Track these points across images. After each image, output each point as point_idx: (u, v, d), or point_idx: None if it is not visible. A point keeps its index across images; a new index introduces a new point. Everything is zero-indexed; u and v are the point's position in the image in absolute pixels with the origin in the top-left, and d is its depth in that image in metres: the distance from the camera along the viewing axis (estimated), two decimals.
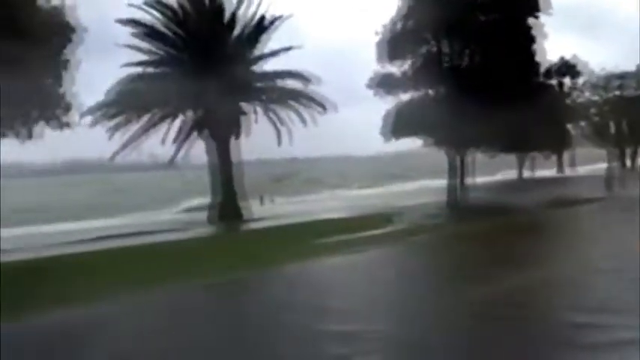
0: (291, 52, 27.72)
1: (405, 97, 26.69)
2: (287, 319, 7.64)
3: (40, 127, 16.72)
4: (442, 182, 29.27)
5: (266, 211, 31.21)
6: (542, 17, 27.79)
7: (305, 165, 69.95)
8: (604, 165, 42.90)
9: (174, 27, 26.57)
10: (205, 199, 29.04)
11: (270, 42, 27.64)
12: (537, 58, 28.82)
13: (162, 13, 26.35)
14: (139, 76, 26.67)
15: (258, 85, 27.89)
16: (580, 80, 45.23)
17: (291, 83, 27.77)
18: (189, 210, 33.93)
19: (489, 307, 7.75)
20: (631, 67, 46.44)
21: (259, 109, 27.31)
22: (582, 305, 7.65)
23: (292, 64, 28.18)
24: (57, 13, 15.54)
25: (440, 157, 28.54)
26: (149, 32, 26.43)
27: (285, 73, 27.62)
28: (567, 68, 41.87)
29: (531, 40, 27.60)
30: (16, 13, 13.69)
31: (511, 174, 48.00)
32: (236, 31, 27.22)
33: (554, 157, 49.50)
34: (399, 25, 26.14)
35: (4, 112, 14.72)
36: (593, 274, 9.57)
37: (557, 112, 35.49)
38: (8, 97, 13.55)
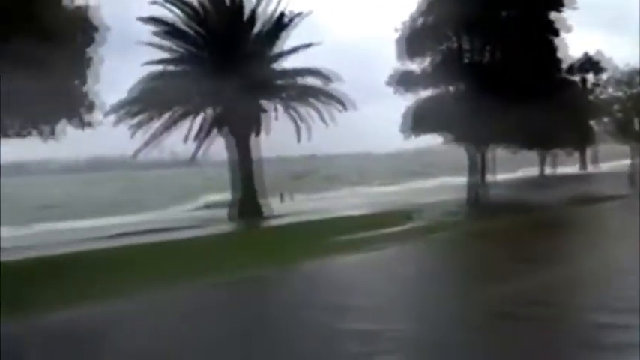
0: (310, 49, 27.83)
1: (425, 94, 26.57)
2: (307, 317, 7.69)
3: (63, 126, 16.92)
4: (462, 179, 29.11)
5: (286, 208, 31.31)
6: (567, 12, 27.42)
7: (324, 162, 69.93)
8: (627, 162, 42.28)
9: (195, 25, 26.75)
10: (226, 196, 29.23)
11: (290, 39, 27.76)
12: (560, 54, 28.46)
13: (182, 10, 26.54)
14: (160, 74, 26.91)
15: (278, 82, 27.97)
16: (603, 76, 44.61)
17: (311, 81, 27.83)
18: (209, 207, 34.16)
19: (510, 305, 7.72)
20: None
21: (279, 107, 27.42)
22: (604, 305, 7.58)
23: (312, 61, 28.22)
24: (81, 13, 15.73)
25: (460, 154, 28.39)
26: (170, 30, 26.64)
27: (305, 71, 27.67)
28: (590, 64, 41.33)
29: (554, 35, 27.25)
30: (42, 12, 13.90)
31: (532, 171, 47.53)
32: (256, 29, 27.32)
33: (576, 154, 48.89)
34: (419, 22, 25.99)
35: (29, 112, 14.98)
36: (615, 274, 9.47)
37: (580, 108, 35.02)
38: (32, 96, 13.77)
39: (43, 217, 32.17)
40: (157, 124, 26.53)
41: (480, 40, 25.84)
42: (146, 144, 26.81)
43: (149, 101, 26.24)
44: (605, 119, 46.89)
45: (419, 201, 28.13)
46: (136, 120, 26.10)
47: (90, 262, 14.09)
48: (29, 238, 22.85)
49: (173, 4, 26.23)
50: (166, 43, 26.84)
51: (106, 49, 17.10)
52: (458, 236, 16.51)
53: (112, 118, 25.20)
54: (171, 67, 27.27)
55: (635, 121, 47.65)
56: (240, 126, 26.61)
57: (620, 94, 46.57)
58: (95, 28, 16.30)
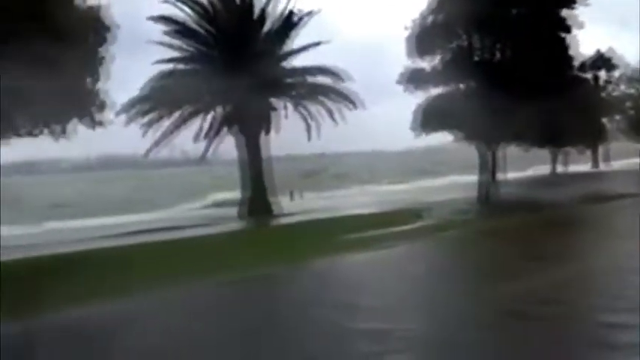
0: (320, 48, 27.85)
1: (435, 91, 26.47)
2: (317, 315, 7.69)
3: (74, 125, 17.00)
4: (472, 178, 29.00)
5: (295, 206, 31.35)
6: (579, 8, 27.19)
7: (334, 160, 69.92)
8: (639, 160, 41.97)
9: (205, 24, 26.83)
10: (236, 195, 29.32)
11: (299, 38, 27.79)
12: (572, 51, 28.26)
13: (192, 9, 26.62)
14: (170, 73, 27.01)
15: (288, 80, 28.00)
16: (616, 73, 44.29)
17: (321, 79, 27.84)
18: (219, 205, 34.27)
19: (520, 304, 7.68)
20: None
21: (289, 105, 27.45)
22: (616, 304, 7.52)
23: (321, 59, 28.24)
24: (93, 12, 15.80)
25: (470, 152, 28.28)
26: (180, 29, 26.73)
27: (315, 69, 27.69)
28: (603, 61, 41.05)
29: (566, 32, 27.05)
30: (54, 12, 13.98)
31: (543, 169, 47.27)
32: (266, 27, 27.36)
33: (587, 152, 48.57)
34: (429, 20, 25.90)
35: (41, 111, 15.07)
36: (627, 273, 9.38)
37: (592, 105, 34.83)
38: (45, 95, 13.85)
39: (55, 216, 32.39)
40: (167, 123, 26.66)
41: (490, 37, 25.71)
42: (157, 143, 26.94)
43: (159, 100, 26.34)
44: (618, 117, 46.62)
45: (429, 199, 28.05)
46: (146, 119, 26.23)
47: (101, 260, 14.18)
48: (41, 236, 23.02)
49: (184, 2, 26.33)
50: (176, 41, 26.95)
51: (117, 48, 17.18)
52: (468, 235, 16.45)
53: (123, 117, 25.35)
54: (181, 66, 27.37)
55: None
56: (250, 124, 26.67)
57: (632, 91, 46.27)
58: (107, 28, 16.37)
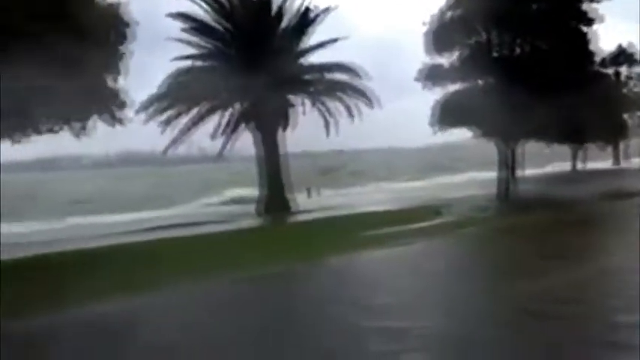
0: (337, 44, 27.83)
1: (454, 88, 26.30)
2: (335, 313, 7.70)
3: (94, 122, 17.16)
4: (491, 174, 28.79)
5: (313, 203, 31.37)
6: (600, 2, 26.78)
7: (352, 157, 69.84)
8: None
9: (223, 21, 26.91)
10: (254, 191, 29.43)
11: (316, 34, 27.78)
12: (592, 46, 27.89)
13: (210, 6, 26.72)
14: (188, 70, 27.16)
15: (306, 77, 28.01)
16: (637, 69, 43.57)
17: (338, 76, 27.82)
18: (237, 202, 34.42)
19: (538, 303, 7.62)
20: None
21: (307, 102, 27.47)
22: (633, 305, 7.41)
23: (338, 55, 28.23)
24: (113, 10, 15.91)
25: (489, 148, 28.07)
26: (197, 26, 26.86)
27: (333, 66, 27.67)
28: (624, 57, 40.44)
29: (587, 25, 26.68)
30: (76, 11, 14.11)
31: (561, 166, 46.77)
32: (283, 24, 27.38)
33: (607, 149, 47.90)
34: (447, 16, 25.73)
35: (62, 109, 15.24)
36: None
37: (613, 101, 34.35)
38: (66, 93, 14.01)
39: (75, 212, 32.78)
40: (185, 120, 26.81)
41: (509, 33, 25.45)
42: (175, 140, 27.11)
43: (177, 97, 26.50)
44: (639, 113, 45.91)
45: (447, 196, 27.92)
46: (164, 116, 26.40)
47: (122, 255, 14.34)
48: (62, 231, 23.32)
49: None
50: (194, 39, 27.08)
51: (135, 45, 17.28)
52: (487, 232, 16.34)
53: (142, 114, 25.54)
54: (199, 63, 27.50)
55: None
56: (268, 121, 26.73)
57: None
58: (126, 24, 16.47)
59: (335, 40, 27.72)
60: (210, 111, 27.05)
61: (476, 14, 24.59)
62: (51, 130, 16.64)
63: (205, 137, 27.65)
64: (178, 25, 26.59)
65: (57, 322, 7.91)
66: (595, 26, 26.98)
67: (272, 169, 27.14)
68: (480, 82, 25.82)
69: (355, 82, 27.56)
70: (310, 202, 31.86)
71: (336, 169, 61.59)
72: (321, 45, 27.72)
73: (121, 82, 16.96)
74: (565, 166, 46.50)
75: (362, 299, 8.34)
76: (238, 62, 25.85)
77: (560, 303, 7.60)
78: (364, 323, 7.07)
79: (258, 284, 10.10)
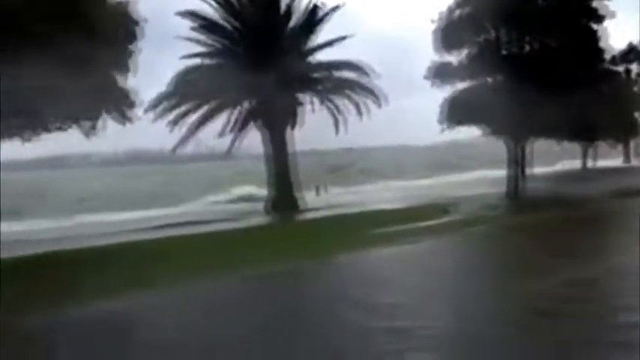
0: (345, 41, 27.78)
1: (462, 85, 26.19)
2: (341, 311, 7.69)
3: (103, 120, 17.21)
4: (500, 172, 28.67)
5: (321, 201, 31.37)
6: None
7: (360, 155, 69.75)
8: None
9: (231, 19, 26.93)
10: (262, 189, 29.45)
11: (324, 32, 27.72)
12: (603, 43, 27.68)
13: (219, 4, 26.73)
14: (197, 68, 27.19)
15: (314, 75, 27.98)
16: None
17: (347, 74, 27.78)
18: (245, 200, 34.47)
19: (546, 302, 7.58)
20: None
21: (316, 100, 27.45)
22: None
23: (346, 53, 28.17)
24: (122, 8, 15.94)
25: (498, 146, 27.95)
26: (206, 24, 26.88)
27: (342, 64, 27.63)
28: (635, 54, 40.14)
29: (597, 22, 26.49)
30: (87, 10, 14.15)
31: (570, 164, 46.51)
32: (291, 22, 27.37)
33: (618, 147, 47.59)
34: (455, 14, 25.63)
35: (71, 107, 15.30)
36: None
37: (624, 99, 34.15)
38: (76, 92, 14.06)
39: (84, 209, 32.92)
40: (193, 118, 26.85)
41: (518, 30, 25.32)
42: (183, 139, 27.14)
43: (186, 95, 26.54)
44: None
45: (456, 194, 27.83)
46: (173, 114, 26.44)
47: (131, 253, 14.39)
48: (71, 229, 23.43)
49: None
50: (202, 37, 27.09)
51: (144, 43, 17.29)
52: (496, 230, 16.27)
53: (152, 114, 25.61)
54: (207, 61, 27.52)
55: None
56: (276, 119, 26.73)
57: None
58: (135, 23, 16.51)
59: (343, 38, 27.70)
60: (219, 109, 27.07)
61: (484, 12, 24.48)
62: (60, 129, 16.71)
63: (214, 135, 27.72)
64: (187, 23, 26.65)
65: (68, 318, 7.94)
66: (605, 23, 26.82)
67: (280, 167, 27.15)
68: (488, 79, 25.70)
69: (363, 80, 27.54)
70: (319, 200, 31.85)
71: (345, 167, 61.49)
72: (329, 43, 27.69)
73: (131, 80, 17.00)
74: (575, 164, 46.24)
75: (369, 297, 8.32)
76: (246, 60, 25.86)
77: (569, 302, 7.56)
78: (372, 323, 7.05)
79: (266, 282, 10.11)
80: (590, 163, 47.31)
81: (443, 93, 26.39)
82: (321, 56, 28.00)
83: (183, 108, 26.60)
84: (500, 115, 23.40)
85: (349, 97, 27.63)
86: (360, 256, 12.14)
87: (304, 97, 27.40)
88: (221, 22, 26.97)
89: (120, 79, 16.59)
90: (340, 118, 27.67)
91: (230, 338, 6.86)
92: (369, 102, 27.64)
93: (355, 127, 28.06)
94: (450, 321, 7.13)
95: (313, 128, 27.76)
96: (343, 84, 27.72)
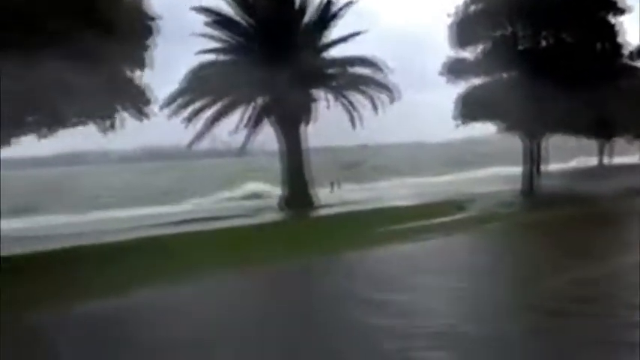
0: (359, 37, 27.71)
1: (478, 81, 26.00)
2: (349, 308, 7.70)
3: (120, 117, 17.30)
4: (515, 169, 28.46)
5: (335, 198, 31.36)
6: None
7: (375, 152, 69.58)
8: None
9: (245, 15, 26.95)
10: (276, 186, 29.49)
11: (338, 27, 27.66)
12: (620, 38, 27.31)
13: (234, 0, 26.75)
14: (211, 64, 27.26)
15: (329, 71, 27.94)
16: None
17: (361, 70, 27.70)
18: (260, 196, 34.58)
19: (559, 301, 7.53)
20: None
21: (330, 96, 27.41)
22: None
23: (360, 49, 28.10)
24: (137, 4, 16.01)
25: (513, 143, 27.73)
26: (220, 20, 26.92)
27: (356, 60, 27.56)
28: None
29: (615, 17, 26.13)
30: (104, 7, 14.24)
31: (585, 161, 46.00)
32: (306, 18, 27.34)
33: (635, 143, 46.90)
34: (471, 9, 25.44)
35: (88, 104, 15.42)
36: None
37: None
38: (93, 89, 14.18)
39: (102, 205, 33.23)
40: (208, 114, 26.93)
41: (535, 25, 25.07)
42: (199, 135, 27.23)
43: (200, 91, 26.62)
44: None
45: (471, 191, 27.68)
46: (189, 110, 26.54)
47: (155, 247, 14.51)
48: (88, 224, 23.66)
49: None
50: (217, 32, 27.15)
51: (160, 39, 17.33)
52: (511, 227, 16.18)
53: (168, 110, 25.72)
54: (221, 57, 27.58)
55: None
56: (290, 115, 26.74)
57: None
58: (151, 19, 16.58)
59: (357, 34, 27.61)
60: (233, 105, 27.13)
61: (500, 6, 24.27)
62: (76, 125, 16.85)
63: (229, 131, 27.76)
64: (202, 18, 26.71)
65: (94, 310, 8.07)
66: (622, 18, 26.46)
67: (294, 163, 27.17)
68: (504, 75, 25.50)
69: (378, 75, 27.45)
70: (333, 197, 31.84)
71: (359, 163, 61.37)
72: (343, 39, 27.63)
73: (146, 76, 17.08)
74: (590, 160, 45.74)
75: (377, 295, 8.33)
76: (261, 56, 25.87)
77: (580, 301, 7.51)
78: (382, 321, 7.05)
79: (280, 277, 10.15)
80: (606, 160, 46.75)
81: (458, 89, 26.27)
82: (335, 52, 27.98)
83: (198, 104, 26.68)
84: (516, 112, 23.21)
85: (364, 93, 27.57)
86: (375, 253, 12.14)
87: (318, 94, 27.40)
88: (235, 18, 27.01)
89: (136, 76, 16.70)
90: (355, 114, 27.65)
91: (245, 331, 6.91)
92: (384, 98, 27.57)
93: (369, 123, 27.99)
94: (458, 319, 7.12)
95: (327, 124, 27.71)
96: (357, 80, 27.65)
